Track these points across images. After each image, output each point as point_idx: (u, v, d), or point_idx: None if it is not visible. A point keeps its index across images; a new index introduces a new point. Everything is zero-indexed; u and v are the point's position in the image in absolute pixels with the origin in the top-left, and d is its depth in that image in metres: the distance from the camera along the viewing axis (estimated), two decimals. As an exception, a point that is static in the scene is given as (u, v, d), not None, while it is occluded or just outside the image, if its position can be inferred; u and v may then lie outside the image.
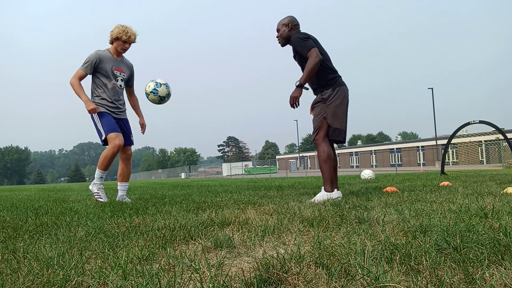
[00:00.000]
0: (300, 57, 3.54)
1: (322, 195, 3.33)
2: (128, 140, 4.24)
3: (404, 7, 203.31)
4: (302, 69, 3.55)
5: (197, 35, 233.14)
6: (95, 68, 3.97)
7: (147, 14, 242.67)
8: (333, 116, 3.43)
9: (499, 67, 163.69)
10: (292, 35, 3.56)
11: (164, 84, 4.09)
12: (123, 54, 4.21)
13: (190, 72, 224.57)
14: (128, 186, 4.33)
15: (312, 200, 3.28)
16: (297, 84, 3.39)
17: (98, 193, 4.08)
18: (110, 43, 4.14)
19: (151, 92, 4.04)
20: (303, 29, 3.67)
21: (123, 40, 4.07)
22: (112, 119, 4.07)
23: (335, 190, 3.42)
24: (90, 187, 4.19)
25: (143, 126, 4.57)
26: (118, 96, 4.16)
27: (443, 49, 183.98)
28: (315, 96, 3.66)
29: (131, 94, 4.45)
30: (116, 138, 3.96)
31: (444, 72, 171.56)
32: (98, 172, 4.11)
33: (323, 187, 3.43)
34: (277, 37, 3.68)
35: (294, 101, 3.41)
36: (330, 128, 3.46)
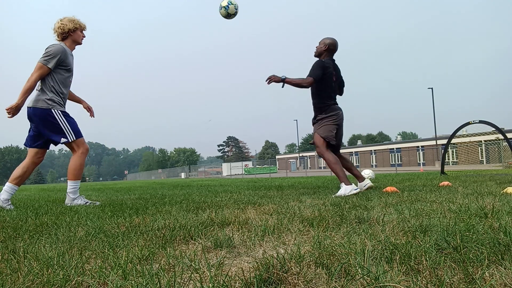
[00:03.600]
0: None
1: (344, 189, 3.80)
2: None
3: (404, 7, 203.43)
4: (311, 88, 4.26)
5: (197, 35, 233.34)
6: (59, 63, 3.69)
7: (146, 13, 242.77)
8: (324, 132, 4.16)
9: (499, 67, 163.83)
10: (320, 55, 4.29)
11: (234, 4, 4.27)
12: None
13: (190, 72, 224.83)
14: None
15: (337, 194, 3.76)
16: (283, 78, 4.04)
17: (86, 201, 3.86)
18: (62, 39, 3.83)
19: (223, 6, 4.27)
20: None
21: (81, 29, 3.89)
22: (75, 120, 3.86)
23: (361, 182, 4.30)
24: (75, 202, 3.81)
25: (90, 109, 4.27)
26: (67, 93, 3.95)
27: (443, 49, 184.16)
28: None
29: None
30: (85, 143, 3.86)
31: (444, 72, 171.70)
32: (74, 184, 3.81)
33: (342, 183, 3.90)
34: (316, 47, 4.36)
35: (270, 81, 4.07)
36: (325, 140, 4.16)
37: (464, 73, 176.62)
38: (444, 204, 2.53)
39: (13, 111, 3.56)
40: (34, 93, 3.75)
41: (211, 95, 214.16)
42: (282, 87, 4.09)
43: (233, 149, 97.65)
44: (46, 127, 3.70)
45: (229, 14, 4.28)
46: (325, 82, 4.14)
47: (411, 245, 1.30)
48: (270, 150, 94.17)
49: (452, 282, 0.98)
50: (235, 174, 43.93)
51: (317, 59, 4.24)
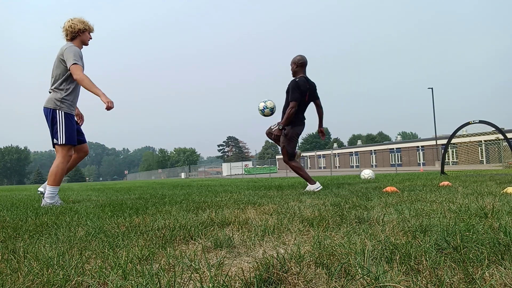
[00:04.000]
0: (287, 96, 4.85)
1: (309, 187, 4.70)
2: (83, 136, 4.13)
3: (404, 6, 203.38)
4: (285, 102, 4.89)
5: (197, 35, 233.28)
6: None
7: (146, 13, 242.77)
8: (290, 147, 4.92)
9: (499, 66, 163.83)
10: (296, 74, 4.91)
11: (269, 108, 5.00)
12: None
13: (191, 72, 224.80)
14: None
15: (305, 190, 4.62)
16: (280, 127, 4.83)
17: (61, 202, 3.87)
18: (71, 39, 3.89)
19: (260, 110, 5.02)
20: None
21: (89, 31, 3.97)
22: (74, 125, 3.91)
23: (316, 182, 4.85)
24: (48, 201, 3.77)
25: (81, 117, 4.26)
26: (78, 95, 4.02)
27: (443, 48, 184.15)
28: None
29: None
30: (71, 149, 3.87)
31: (444, 72, 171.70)
32: (53, 189, 3.79)
33: (308, 184, 4.78)
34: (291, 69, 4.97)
35: (276, 138, 4.97)
36: (289, 153, 4.92)
37: (465, 72, 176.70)
38: (444, 204, 2.53)
39: (110, 104, 3.68)
40: (48, 93, 3.86)
41: (211, 95, 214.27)
42: (285, 130, 4.87)
43: (233, 149, 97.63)
44: (50, 126, 3.81)
45: (265, 115, 5.03)
46: (301, 100, 4.78)
47: (411, 245, 1.30)
48: (270, 150, 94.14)
49: (452, 282, 0.98)
50: (235, 174, 43.93)
51: (290, 82, 4.81)
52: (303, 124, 4.98)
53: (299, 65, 4.87)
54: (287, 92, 4.82)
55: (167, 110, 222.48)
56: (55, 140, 3.78)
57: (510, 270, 1.05)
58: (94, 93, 3.70)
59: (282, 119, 4.88)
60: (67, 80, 3.82)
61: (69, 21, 3.89)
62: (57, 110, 3.76)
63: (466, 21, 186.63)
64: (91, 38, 4.03)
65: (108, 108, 3.70)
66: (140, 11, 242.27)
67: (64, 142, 3.77)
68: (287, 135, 4.88)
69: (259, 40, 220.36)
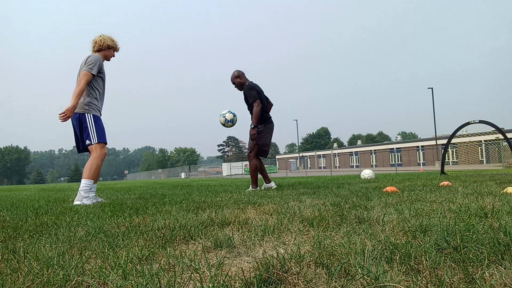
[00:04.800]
0: (247, 101, 5.31)
1: (250, 189, 5.23)
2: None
3: (403, 6, 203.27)
4: (248, 108, 5.37)
5: (197, 35, 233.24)
6: (99, 70, 4.12)
7: (146, 9, 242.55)
8: (263, 143, 5.34)
9: (499, 66, 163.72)
10: (244, 83, 5.34)
11: (232, 115, 5.32)
12: None
13: (191, 72, 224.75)
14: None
15: (247, 189, 5.19)
16: (252, 126, 5.21)
17: (96, 202, 3.97)
18: (98, 50, 4.27)
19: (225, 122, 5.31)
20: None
21: (115, 49, 4.36)
22: (103, 126, 4.20)
23: (270, 182, 5.51)
24: (84, 201, 3.88)
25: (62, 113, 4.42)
26: (104, 98, 4.36)
27: (443, 48, 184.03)
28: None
29: None
30: (104, 148, 4.15)
31: (444, 72, 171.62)
32: (87, 182, 3.97)
33: (251, 185, 5.40)
34: (235, 86, 5.40)
35: (254, 137, 5.25)
36: (260, 149, 5.34)
37: (465, 72, 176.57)
38: (444, 204, 2.52)
39: (69, 113, 3.86)
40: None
41: (212, 95, 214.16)
42: (258, 128, 5.28)
43: (233, 149, 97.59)
44: (80, 129, 4.09)
45: (230, 120, 5.32)
46: (260, 99, 5.22)
47: (411, 245, 1.30)
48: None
49: (452, 282, 0.98)
50: (235, 174, 43.93)
51: (243, 89, 5.28)
52: (272, 122, 5.46)
53: (242, 76, 5.37)
54: (245, 99, 5.32)
55: (167, 109, 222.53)
56: (87, 141, 4.07)
57: (510, 270, 1.05)
58: (71, 99, 3.91)
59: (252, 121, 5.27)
60: (92, 86, 4.13)
61: (100, 35, 4.31)
62: (86, 114, 4.07)
63: (467, 19, 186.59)
64: (114, 56, 4.43)
65: (60, 115, 3.82)
66: (140, 9, 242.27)
67: (97, 141, 4.08)
68: (262, 135, 5.32)
69: (259, 39, 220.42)
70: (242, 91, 5.35)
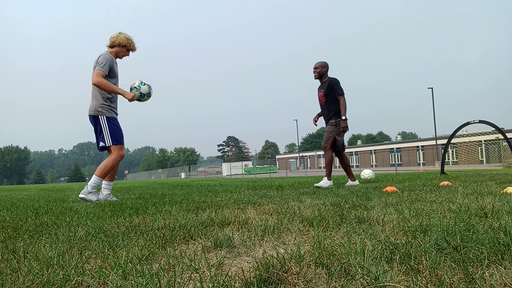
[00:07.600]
0: (332, 93, 5.31)
1: (324, 181, 5.17)
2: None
3: (404, 6, 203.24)
4: (327, 98, 5.37)
5: (197, 35, 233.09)
6: (110, 69, 4.10)
7: (145, 12, 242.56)
8: (339, 134, 5.32)
9: (500, 66, 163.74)
10: (323, 75, 5.45)
11: (148, 85, 4.33)
12: None
13: (191, 72, 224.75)
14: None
15: (317, 185, 5.13)
16: (343, 118, 5.23)
17: (99, 200, 4.10)
18: (110, 47, 4.24)
19: (134, 87, 4.27)
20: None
21: (128, 49, 4.30)
22: (119, 126, 4.22)
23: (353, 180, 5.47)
24: (89, 196, 4.10)
25: None
26: (117, 98, 4.32)
27: (443, 48, 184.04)
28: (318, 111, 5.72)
29: None
30: (121, 149, 4.18)
31: (444, 71, 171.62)
32: (97, 180, 4.12)
33: (325, 177, 5.30)
34: (314, 71, 5.46)
35: (345, 129, 5.25)
36: (336, 142, 5.33)
37: (465, 72, 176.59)
38: (444, 204, 2.52)
39: (130, 96, 4.05)
40: (90, 102, 4.17)
41: (212, 95, 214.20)
42: (337, 121, 5.30)
43: (233, 149, 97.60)
44: (96, 131, 4.15)
45: (142, 94, 4.27)
46: None
47: (411, 245, 1.30)
48: (270, 150, 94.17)
49: (452, 282, 0.98)
50: (235, 174, 43.92)
51: (330, 81, 5.33)
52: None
53: (327, 68, 5.45)
54: (329, 88, 5.31)
55: (167, 109, 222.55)
56: (101, 143, 4.10)
57: (510, 270, 1.05)
58: (115, 93, 4.06)
59: (337, 114, 5.29)
60: None
61: (117, 33, 4.30)
62: (99, 116, 4.10)
63: (466, 19, 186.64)
64: (127, 55, 4.37)
65: (131, 100, 4.06)
66: (140, 7, 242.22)
67: (111, 144, 4.11)
68: (337, 125, 5.33)
69: (259, 39, 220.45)
70: (323, 82, 5.42)
